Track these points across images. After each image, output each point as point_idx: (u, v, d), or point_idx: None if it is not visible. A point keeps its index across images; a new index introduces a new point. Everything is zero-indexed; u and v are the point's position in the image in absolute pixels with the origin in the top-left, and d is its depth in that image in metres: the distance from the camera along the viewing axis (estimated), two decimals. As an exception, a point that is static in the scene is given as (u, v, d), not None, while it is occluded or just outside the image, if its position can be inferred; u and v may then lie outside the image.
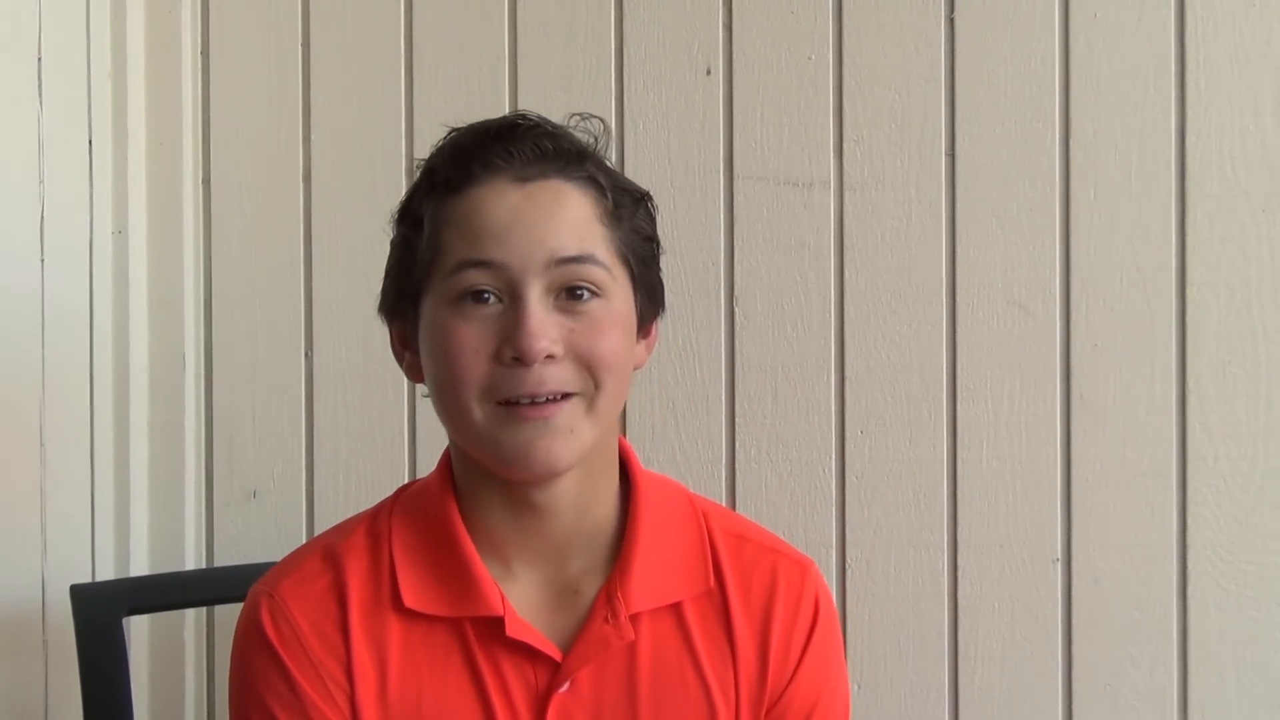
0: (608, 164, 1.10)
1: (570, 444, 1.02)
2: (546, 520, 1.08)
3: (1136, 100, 1.48)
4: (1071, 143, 1.49)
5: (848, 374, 1.54)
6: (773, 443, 1.55)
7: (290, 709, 1.05)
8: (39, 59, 1.54)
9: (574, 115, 1.11)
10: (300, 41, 1.65)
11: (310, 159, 1.65)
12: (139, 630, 1.64)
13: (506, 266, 1.01)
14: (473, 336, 1.01)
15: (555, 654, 1.07)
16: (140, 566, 1.65)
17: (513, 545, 1.09)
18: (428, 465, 1.52)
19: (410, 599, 1.06)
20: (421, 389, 1.10)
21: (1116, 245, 1.48)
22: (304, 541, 1.56)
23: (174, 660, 1.66)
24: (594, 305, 1.03)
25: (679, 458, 1.55)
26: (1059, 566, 1.49)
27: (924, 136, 1.52)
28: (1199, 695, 1.47)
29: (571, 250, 1.02)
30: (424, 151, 1.53)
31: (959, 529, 1.51)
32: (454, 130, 1.09)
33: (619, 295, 1.05)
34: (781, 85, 1.55)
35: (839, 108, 1.54)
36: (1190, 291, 1.47)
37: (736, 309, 1.56)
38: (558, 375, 1.01)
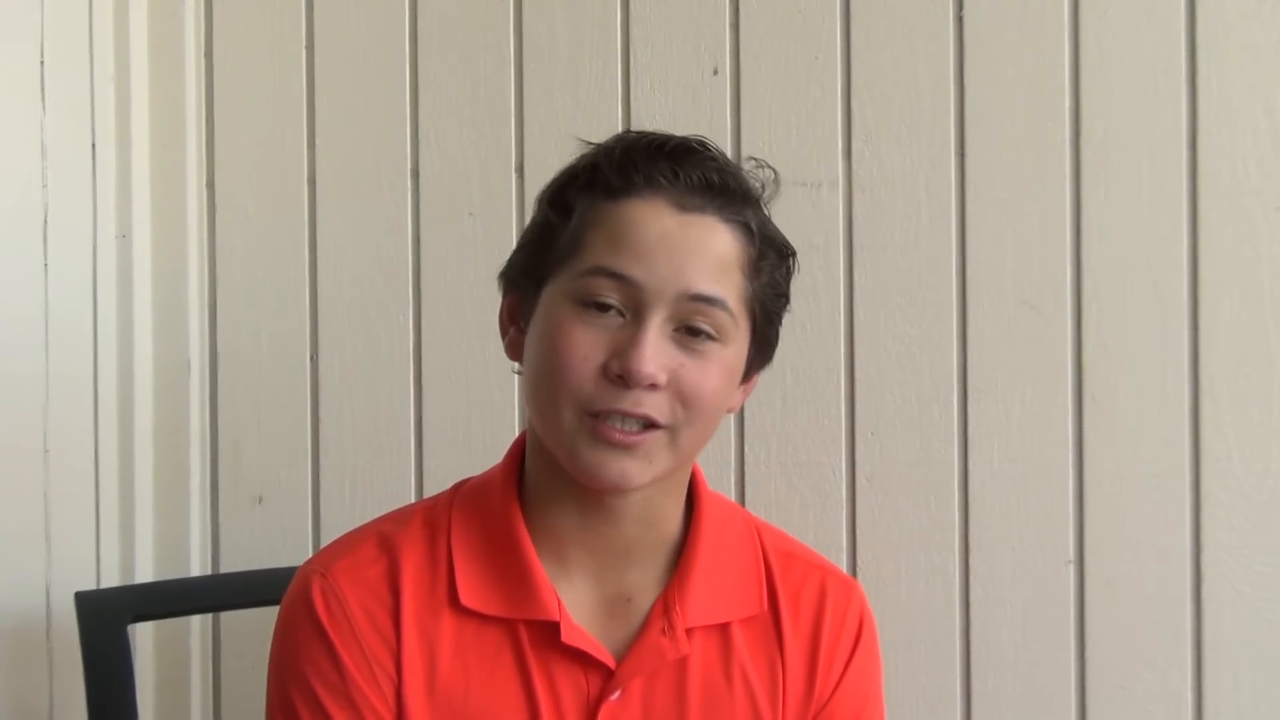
0: (765, 212, 1.10)
1: (644, 470, 1.03)
2: (614, 526, 1.08)
3: (1147, 98, 1.48)
4: (1082, 142, 1.49)
5: (857, 375, 1.53)
6: (782, 445, 1.54)
7: (334, 691, 1.04)
8: (42, 62, 1.53)
9: (750, 159, 1.12)
10: (304, 44, 1.64)
11: (315, 161, 1.64)
12: (144, 638, 1.63)
13: (641, 287, 1.02)
14: (586, 343, 1.02)
15: (609, 661, 1.07)
16: (145, 573, 1.64)
17: (574, 547, 1.09)
18: (435, 471, 1.59)
19: (467, 597, 1.06)
20: (514, 365, 1.11)
21: (1128, 244, 1.48)
22: (310, 546, 1.61)
23: (179, 668, 1.65)
24: (709, 348, 1.04)
25: (688, 461, 1.54)
26: (1072, 569, 1.49)
27: (933, 136, 1.52)
28: (1214, 698, 1.47)
29: (706, 289, 1.02)
30: (428, 152, 1.60)
31: (970, 531, 1.51)
32: (628, 132, 1.09)
33: (735, 344, 1.06)
34: (789, 85, 1.54)
35: (847, 107, 1.54)
36: (1202, 291, 1.47)
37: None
38: (653, 403, 1.02)
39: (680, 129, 1.46)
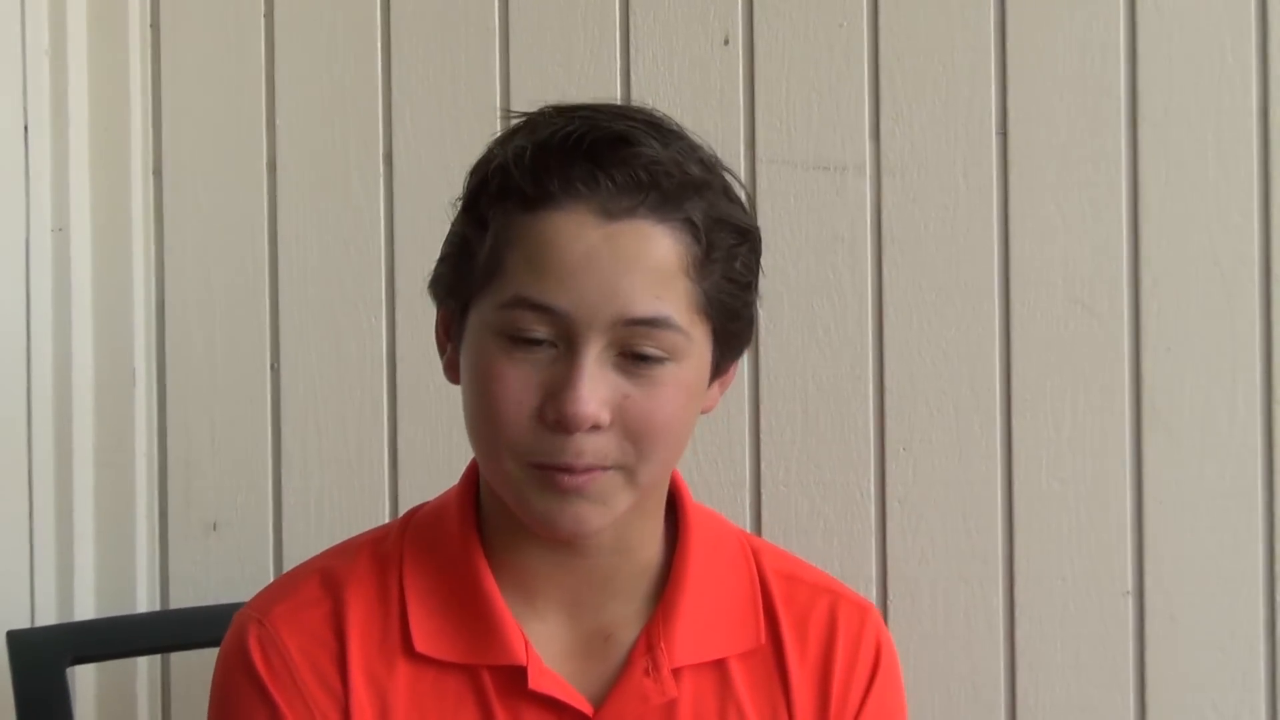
0: (725, 186, 1.01)
1: (603, 513, 0.98)
2: (583, 559, 1.04)
3: (1213, 69, 1.42)
4: (1140, 119, 1.43)
5: (888, 385, 1.48)
6: (803, 463, 1.49)
7: None
8: (-34, 35, 1.48)
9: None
10: (263, 11, 1.58)
11: (275, 145, 1.58)
12: (85, 681, 1.57)
13: (569, 317, 0.96)
14: (516, 385, 0.97)
15: (586, 708, 1.03)
16: (85, 610, 1.58)
17: (541, 582, 1.05)
18: (412, 495, 1.51)
19: (421, 642, 1.03)
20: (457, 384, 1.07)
21: (1192, 235, 1.43)
22: (270, 579, 1.54)
23: (124, 714, 1.59)
24: (659, 371, 0.97)
25: (696, 480, 1.48)
26: (1130, 601, 1.44)
27: (972, 113, 1.46)
28: (1291, 747, 1.44)
29: (644, 311, 0.96)
30: (403, 134, 1.53)
31: (1015, 560, 1.46)
32: (544, 115, 1.00)
33: (692, 358, 0.99)
34: (809, 56, 1.49)
35: (875, 81, 1.49)
36: (1276, 287, 1.42)
37: (761, 311, 1.47)
38: (598, 447, 0.96)
39: (686, 107, 1.48)
